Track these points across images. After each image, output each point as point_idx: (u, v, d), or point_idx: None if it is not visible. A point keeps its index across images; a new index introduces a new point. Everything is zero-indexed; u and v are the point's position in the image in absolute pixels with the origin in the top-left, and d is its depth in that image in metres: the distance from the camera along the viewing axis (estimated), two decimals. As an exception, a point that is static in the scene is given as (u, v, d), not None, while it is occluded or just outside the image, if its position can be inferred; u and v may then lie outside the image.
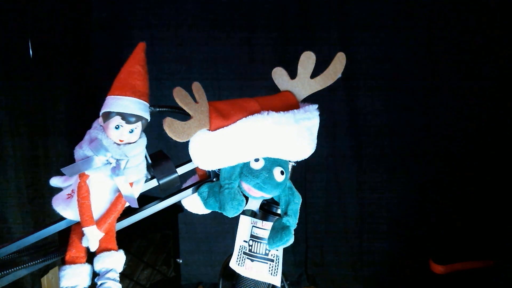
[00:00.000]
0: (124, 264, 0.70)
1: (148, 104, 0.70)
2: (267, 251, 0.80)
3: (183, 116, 0.70)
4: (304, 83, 0.80)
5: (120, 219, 0.71)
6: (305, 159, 0.77)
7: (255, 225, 0.82)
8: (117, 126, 0.67)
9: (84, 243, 0.67)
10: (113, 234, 0.70)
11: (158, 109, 0.74)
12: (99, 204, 0.68)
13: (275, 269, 0.80)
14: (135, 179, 0.69)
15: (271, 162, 0.75)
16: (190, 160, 0.75)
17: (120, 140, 0.67)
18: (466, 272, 1.72)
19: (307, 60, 0.78)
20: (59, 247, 0.70)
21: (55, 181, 0.73)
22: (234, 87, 1.85)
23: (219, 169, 0.76)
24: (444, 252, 1.78)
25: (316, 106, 0.79)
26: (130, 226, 0.73)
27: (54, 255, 0.67)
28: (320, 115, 0.78)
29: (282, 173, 0.75)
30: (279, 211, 0.80)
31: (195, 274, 2.04)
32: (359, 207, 1.94)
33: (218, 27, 1.79)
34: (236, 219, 0.81)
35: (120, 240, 0.71)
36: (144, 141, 0.71)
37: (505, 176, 1.72)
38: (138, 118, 0.68)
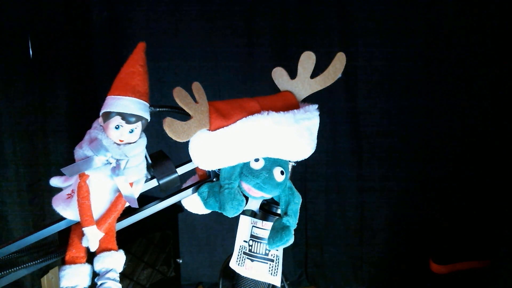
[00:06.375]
0: (124, 264, 0.71)
1: (148, 104, 0.70)
2: (267, 251, 0.80)
3: (183, 116, 0.70)
4: (304, 83, 0.80)
5: (120, 219, 0.71)
6: (305, 159, 0.77)
7: (255, 225, 0.82)
8: (117, 126, 0.67)
9: (84, 243, 0.67)
10: (113, 234, 0.70)
11: (158, 109, 0.74)
12: (99, 204, 0.68)
13: (275, 269, 0.80)
14: (135, 179, 0.69)
15: (271, 162, 0.75)
16: (190, 160, 0.75)
17: (120, 140, 0.67)
18: (466, 272, 1.72)
19: (307, 60, 0.79)
20: (59, 247, 0.70)
21: (55, 181, 0.73)
22: (234, 87, 1.85)
23: (219, 169, 0.76)
24: (444, 252, 1.78)
25: (316, 106, 0.79)
26: (130, 226, 0.73)
27: (54, 255, 0.67)
28: (320, 115, 0.78)
29: (282, 173, 0.75)
30: (279, 211, 0.81)
31: (195, 274, 2.04)
32: (359, 207, 1.94)
33: (218, 27, 1.79)
34: (236, 219, 0.81)
35: (120, 240, 0.71)
36: (144, 141, 0.71)
37: (505, 175, 1.72)
38: (138, 118, 0.68)
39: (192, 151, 0.72)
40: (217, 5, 1.77)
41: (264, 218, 0.82)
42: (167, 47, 1.80)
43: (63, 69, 1.69)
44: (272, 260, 0.80)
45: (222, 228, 1.96)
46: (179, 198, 0.78)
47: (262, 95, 0.78)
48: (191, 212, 0.80)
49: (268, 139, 0.72)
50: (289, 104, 0.79)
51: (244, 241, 0.81)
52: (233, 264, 0.81)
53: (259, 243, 0.80)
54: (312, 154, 0.78)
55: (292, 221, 0.76)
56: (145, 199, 0.74)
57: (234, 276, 0.85)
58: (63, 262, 0.67)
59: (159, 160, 0.74)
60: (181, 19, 1.78)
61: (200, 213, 0.80)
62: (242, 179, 0.75)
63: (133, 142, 0.69)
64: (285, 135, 0.73)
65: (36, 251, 0.70)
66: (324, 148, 1.88)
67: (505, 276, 1.54)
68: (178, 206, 0.82)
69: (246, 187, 0.75)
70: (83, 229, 0.66)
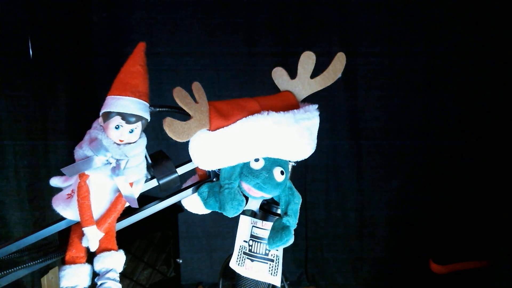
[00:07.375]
0: (124, 264, 0.71)
1: (148, 104, 0.70)
2: (267, 251, 0.80)
3: (183, 116, 0.70)
4: (304, 83, 0.80)
5: (120, 219, 0.71)
6: (305, 159, 0.77)
7: (255, 225, 0.82)
8: (117, 126, 0.67)
9: (84, 243, 0.67)
10: (113, 234, 0.70)
11: (158, 109, 0.74)
12: (99, 204, 0.68)
13: (275, 269, 0.80)
14: (135, 179, 0.69)
15: (271, 162, 0.75)
16: (190, 160, 0.75)
17: (120, 140, 0.67)
18: (466, 272, 1.72)
19: (307, 60, 0.79)
20: (59, 247, 0.70)
21: (55, 181, 0.73)
22: (234, 87, 1.85)
23: (219, 169, 0.76)
24: (444, 252, 1.78)
25: (316, 106, 0.79)
26: (130, 226, 0.73)
27: (54, 255, 0.67)
28: (320, 115, 0.78)
29: (282, 173, 0.75)
30: (279, 211, 0.80)
31: (195, 274, 2.04)
32: (359, 207, 1.94)
33: (218, 27, 1.79)
34: (236, 219, 0.81)
35: (120, 240, 0.71)
36: (144, 141, 0.71)
37: (505, 175, 1.72)
38: (138, 118, 0.68)
39: (192, 151, 0.72)
40: (217, 5, 1.77)
41: (264, 218, 0.82)
42: (166, 47, 1.80)
43: (63, 69, 1.70)
44: (272, 260, 0.80)
45: (222, 228, 1.96)
46: (179, 198, 0.78)
47: (262, 95, 0.78)
48: (191, 212, 0.80)
49: (268, 139, 0.72)
50: (289, 104, 0.79)
51: (244, 241, 0.81)
52: (233, 264, 0.81)
53: (259, 243, 0.80)
54: (312, 154, 0.78)
55: (292, 221, 0.76)
56: (145, 199, 0.74)
57: (234, 276, 0.85)
58: (63, 262, 0.67)
59: (159, 160, 0.74)
60: (180, 19, 1.78)
61: (200, 213, 0.80)
62: (242, 179, 0.75)
63: (133, 142, 0.69)
64: (285, 135, 0.73)
65: (36, 251, 0.70)
66: (324, 148, 1.88)
67: (505, 276, 1.54)
68: (178, 206, 0.82)
69: (246, 187, 0.75)
70: (83, 229, 0.66)
